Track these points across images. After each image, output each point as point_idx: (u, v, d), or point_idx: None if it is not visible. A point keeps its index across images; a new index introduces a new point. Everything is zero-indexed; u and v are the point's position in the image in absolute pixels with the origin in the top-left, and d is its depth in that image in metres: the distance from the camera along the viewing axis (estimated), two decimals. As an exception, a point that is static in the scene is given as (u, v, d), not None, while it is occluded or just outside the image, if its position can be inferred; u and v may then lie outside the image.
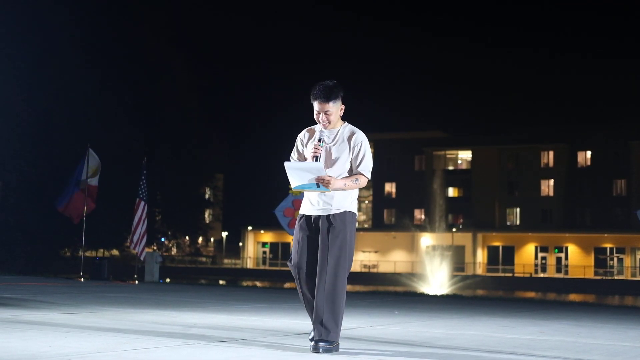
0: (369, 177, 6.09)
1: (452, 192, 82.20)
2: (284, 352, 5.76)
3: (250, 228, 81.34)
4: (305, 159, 6.14)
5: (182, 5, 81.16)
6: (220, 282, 42.20)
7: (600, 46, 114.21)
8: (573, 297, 34.91)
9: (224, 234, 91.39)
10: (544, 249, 73.47)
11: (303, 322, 8.62)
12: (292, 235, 21.10)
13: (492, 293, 39.06)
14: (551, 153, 78.86)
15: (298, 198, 21.39)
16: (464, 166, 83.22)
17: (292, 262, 6.17)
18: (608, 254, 71.66)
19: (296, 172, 5.97)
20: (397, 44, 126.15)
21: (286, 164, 5.95)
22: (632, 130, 75.31)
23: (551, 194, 78.94)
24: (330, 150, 6.08)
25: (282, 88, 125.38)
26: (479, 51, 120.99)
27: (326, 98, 6.01)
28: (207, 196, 70.44)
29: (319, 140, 6.00)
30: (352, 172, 6.05)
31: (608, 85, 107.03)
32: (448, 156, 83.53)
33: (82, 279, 19.83)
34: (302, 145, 6.23)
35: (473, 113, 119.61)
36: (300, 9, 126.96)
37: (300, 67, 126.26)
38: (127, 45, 49.07)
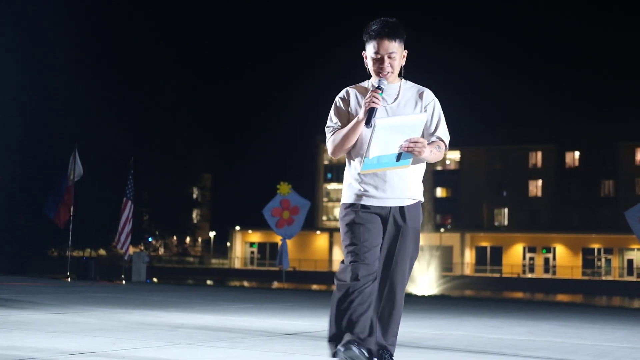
0: (448, 148, 4.80)
1: (440, 192, 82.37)
2: (271, 353, 5.73)
3: (238, 228, 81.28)
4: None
5: (171, 4, 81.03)
6: (208, 282, 42.12)
7: (589, 47, 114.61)
8: (561, 297, 35.00)
9: (212, 234, 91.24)
10: (532, 250, 73.64)
11: (290, 323, 8.60)
12: (281, 235, 20.79)
13: (480, 293, 39.14)
14: (539, 154, 79.14)
15: (286, 198, 21.39)
16: (452, 166, 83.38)
17: (360, 273, 4.55)
18: (596, 254, 71.89)
19: (387, 134, 4.42)
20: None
21: (379, 121, 4.38)
22: (620, 131, 75.66)
23: (539, 194, 79.21)
24: (388, 112, 4.65)
25: (272, 88, 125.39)
26: (466, 52, 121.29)
27: (392, 34, 4.59)
28: (195, 196, 70.21)
29: (377, 88, 4.55)
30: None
31: (596, 85, 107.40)
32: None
33: (69, 279, 19.76)
34: (347, 105, 4.71)
35: (461, 113, 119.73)
36: (287, 10, 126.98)
37: (293, 68, 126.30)
38: (115, 45, 48.86)
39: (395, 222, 4.70)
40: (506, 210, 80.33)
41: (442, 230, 74.44)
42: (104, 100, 45.18)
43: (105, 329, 7.04)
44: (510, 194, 79.50)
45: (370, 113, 4.43)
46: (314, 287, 34.00)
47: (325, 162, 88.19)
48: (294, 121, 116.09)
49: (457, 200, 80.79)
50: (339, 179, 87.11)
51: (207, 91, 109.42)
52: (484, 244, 75.15)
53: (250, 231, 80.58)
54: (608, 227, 72.44)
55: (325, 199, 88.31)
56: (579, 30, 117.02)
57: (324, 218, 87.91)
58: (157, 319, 8.32)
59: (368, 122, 4.42)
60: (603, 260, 71.48)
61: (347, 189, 4.71)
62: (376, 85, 4.57)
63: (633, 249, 68.63)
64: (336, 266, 76.25)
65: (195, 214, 75.48)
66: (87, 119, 43.34)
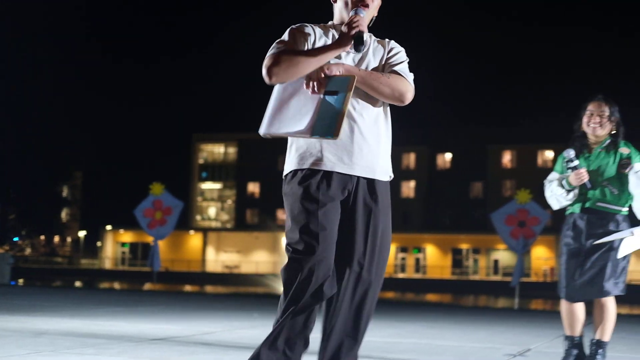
0: (413, 86, 3.80)
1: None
2: (137, 360, 5.65)
3: (109, 227, 79.78)
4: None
5: (52, 2, 78.88)
6: (77, 283, 41.17)
7: (460, 51, 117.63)
8: (430, 297, 35.79)
9: (82, 234, 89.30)
10: (403, 250, 75.10)
11: (160, 327, 8.49)
12: (153, 236, 20.37)
13: (352, 293, 39.48)
14: (412, 155, 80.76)
15: (158, 198, 21.12)
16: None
17: (310, 254, 3.44)
18: (464, 254, 73.95)
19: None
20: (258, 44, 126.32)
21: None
22: (489, 134, 78.04)
23: (412, 195, 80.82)
24: (355, 61, 3.71)
25: (147, 86, 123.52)
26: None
27: None
28: (64, 194, 68.73)
29: (355, 14, 3.55)
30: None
31: (467, 88, 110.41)
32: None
33: None
34: (307, 37, 3.65)
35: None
36: (170, 5, 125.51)
37: (167, 66, 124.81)
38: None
39: (364, 200, 3.53)
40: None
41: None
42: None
43: (-36, 336, 6.78)
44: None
45: (358, 39, 3.48)
46: (187, 288, 33.66)
47: (200, 162, 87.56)
48: (168, 119, 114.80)
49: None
50: (213, 178, 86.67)
51: (80, 88, 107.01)
52: (357, 244, 76.04)
53: (121, 231, 79.22)
54: (476, 228, 74.62)
55: (199, 199, 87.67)
56: (454, 32, 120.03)
57: (198, 218, 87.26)
58: (20, 325, 8.07)
59: (357, 47, 3.51)
60: (471, 260, 73.61)
61: (298, 151, 3.59)
62: (353, 14, 3.58)
63: (499, 250, 70.88)
64: (210, 266, 75.87)
65: (64, 213, 73.89)
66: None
